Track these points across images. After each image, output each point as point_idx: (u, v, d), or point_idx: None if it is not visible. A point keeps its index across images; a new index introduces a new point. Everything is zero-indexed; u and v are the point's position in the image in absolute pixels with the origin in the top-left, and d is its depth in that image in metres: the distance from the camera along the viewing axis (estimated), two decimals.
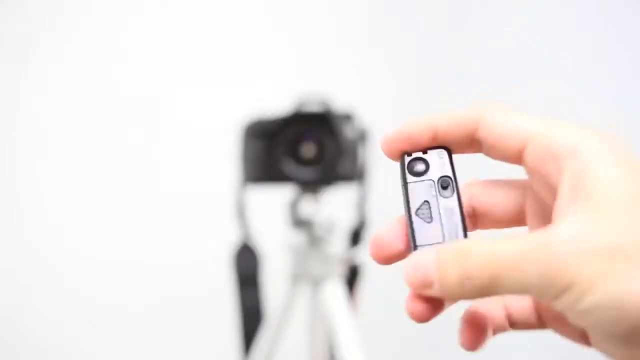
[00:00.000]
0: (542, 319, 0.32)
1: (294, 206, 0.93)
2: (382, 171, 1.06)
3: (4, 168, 1.56)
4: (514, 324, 0.32)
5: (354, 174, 0.90)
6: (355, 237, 0.99)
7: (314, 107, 0.86)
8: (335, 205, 0.96)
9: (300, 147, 0.86)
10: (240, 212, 0.97)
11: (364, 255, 0.99)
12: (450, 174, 0.32)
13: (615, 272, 0.25)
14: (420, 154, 0.32)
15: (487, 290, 0.27)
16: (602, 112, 1.52)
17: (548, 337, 0.36)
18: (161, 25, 1.62)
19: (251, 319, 0.98)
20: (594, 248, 0.25)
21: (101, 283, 1.59)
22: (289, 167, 0.85)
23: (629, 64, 1.48)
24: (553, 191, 0.28)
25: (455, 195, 0.32)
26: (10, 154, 1.56)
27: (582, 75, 1.56)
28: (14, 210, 1.57)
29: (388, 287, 1.58)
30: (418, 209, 0.32)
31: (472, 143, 0.32)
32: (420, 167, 0.32)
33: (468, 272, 0.27)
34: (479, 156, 0.33)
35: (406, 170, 0.32)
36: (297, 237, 0.95)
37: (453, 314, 0.34)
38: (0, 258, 1.55)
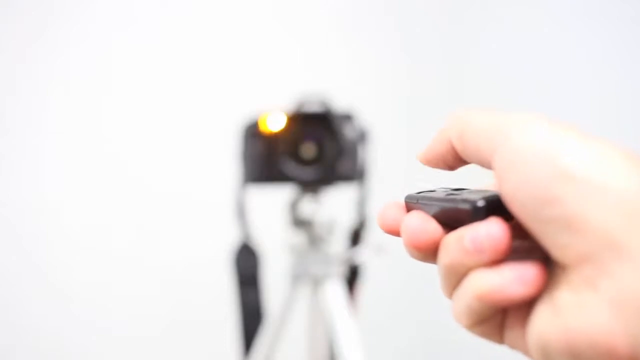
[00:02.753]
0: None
1: (294, 206, 0.93)
2: (382, 171, 1.07)
3: (4, 167, 1.56)
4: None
5: (354, 174, 0.90)
6: (355, 237, 0.99)
7: (314, 107, 0.86)
8: (335, 205, 0.96)
9: (300, 147, 0.86)
10: (241, 212, 0.97)
11: (364, 255, 1.00)
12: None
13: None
14: None
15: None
16: (602, 113, 1.52)
17: None
18: (161, 25, 1.62)
19: (251, 318, 0.98)
20: None
21: (101, 282, 1.59)
22: (289, 167, 0.85)
23: (630, 65, 1.49)
24: None
25: None
26: (9, 154, 1.56)
27: (583, 76, 1.56)
28: (13, 212, 1.57)
29: (388, 287, 1.59)
30: None
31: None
32: None
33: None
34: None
35: None
36: (297, 237, 0.95)
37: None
38: (1, 261, 1.55)
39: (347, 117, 0.91)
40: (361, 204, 0.98)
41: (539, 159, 0.27)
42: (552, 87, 1.63)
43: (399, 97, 1.70)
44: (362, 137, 0.92)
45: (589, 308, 0.25)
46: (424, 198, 0.32)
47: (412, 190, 0.34)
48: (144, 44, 1.61)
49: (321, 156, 0.85)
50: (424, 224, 0.31)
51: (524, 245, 0.29)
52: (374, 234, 1.00)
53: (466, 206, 0.29)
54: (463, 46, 1.72)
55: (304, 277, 0.94)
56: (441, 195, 0.31)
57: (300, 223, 0.93)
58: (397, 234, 0.33)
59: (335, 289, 0.93)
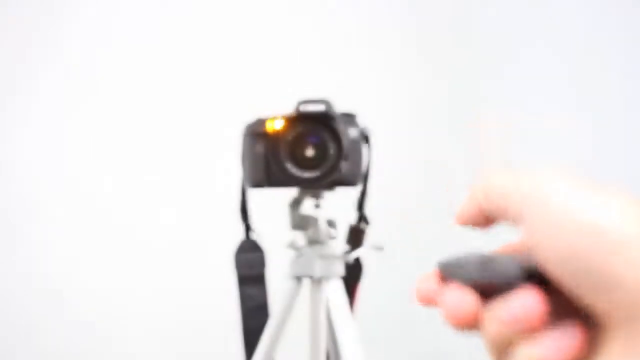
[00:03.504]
0: None
1: (295, 207, 0.94)
2: (383, 171, 1.07)
3: (7, 175, 1.56)
4: None
5: (356, 176, 0.91)
6: (355, 237, 1.00)
7: (315, 109, 0.86)
8: (335, 205, 0.97)
9: (301, 149, 0.86)
10: (244, 213, 0.98)
11: (363, 254, 1.00)
12: None
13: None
14: None
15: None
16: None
17: None
18: (163, 29, 1.63)
19: (255, 316, 0.98)
20: None
21: (103, 283, 1.59)
22: (291, 169, 0.85)
23: None
24: None
25: None
26: (11, 159, 1.57)
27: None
28: (14, 215, 1.57)
29: (388, 286, 1.59)
30: None
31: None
32: None
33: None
34: None
35: None
36: (299, 238, 0.96)
37: None
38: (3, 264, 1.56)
39: (349, 118, 0.91)
40: (361, 204, 0.99)
41: (563, 215, 0.27)
42: (554, 93, 1.63)
43: (400, 97, 1.70)
44: (364, 138, 0.93)
45: None
46: (458, 267, 0.32)
47: (439, 249, 0.35)
48: (146, 46, 1.62)
49: (323, 158, 0.86)
50: (461, 300, 0.31)
51: (563, 308, 0.29)
52: (373, 234, 1.01)
53: (502, 277, 0.30)
54: (464, 46, 1.72)
55: (304, 277, 0.95)
56: (475, 263, 0.32)
57: (302, 224, 0.94)
58: (434, 305, 0.33)
59: (335, 288, 0.93)
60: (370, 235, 1.00)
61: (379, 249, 0.97)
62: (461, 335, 0.32)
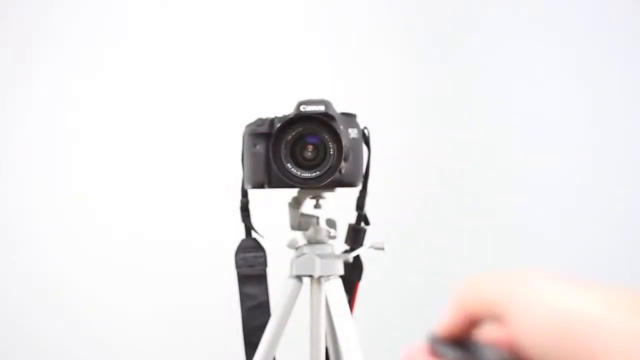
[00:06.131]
0: None
1: (295, 207, 0.94)
2: (383, 171, 1.08)
3: (6, 175, 1.56)
4: None
5: (355, 176, 0.91)
6: (356, 237, 1.00)
7: (315, 108, 0.87)
8: (335, 205, 0.97)
9: (301, 149, 0.86)
10: (244, 213, 0.99)
11: (363, 254, 1.01)
12: None
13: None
14: None
15: None
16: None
17: None
18: (165, 29, 1.63)
19: (255, 316, 0.99)
20: None
21: (104, 283, 1.59)
22: (291, 169, 0.86)
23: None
24: None
25: None
26: (10, 159, 1.57)
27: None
28: (14, 218, 1.57)
29: (388, 286, 1.59)
30: None
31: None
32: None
33: None
34: None
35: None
36: (299, 238, 0.96)
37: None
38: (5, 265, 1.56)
39: (349, 118, 0.91)
40: (361, 204, 0.99)
41: (549, 311, 0.29)
42: (555, 93, 1.63)
43: (400, 97, 1.70)
44: (363, 138, 0.93)
45: None
46: (448, 346, 0.34)
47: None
48: (147, 46, 1.62)
49: (322, 158, 0.86)
50: None
51: None
52: (373, 234, 1.01)
53: None
54: (466, 47, 1.72)
55: (305, 276, 0.95)
56: (464, 345, 0.33)
57: (302, 223, 0.94)
58: None
59: (335, 288, 0.94)
60: (370, 235, 1.01)
61: (379, 249, 0.97)
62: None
